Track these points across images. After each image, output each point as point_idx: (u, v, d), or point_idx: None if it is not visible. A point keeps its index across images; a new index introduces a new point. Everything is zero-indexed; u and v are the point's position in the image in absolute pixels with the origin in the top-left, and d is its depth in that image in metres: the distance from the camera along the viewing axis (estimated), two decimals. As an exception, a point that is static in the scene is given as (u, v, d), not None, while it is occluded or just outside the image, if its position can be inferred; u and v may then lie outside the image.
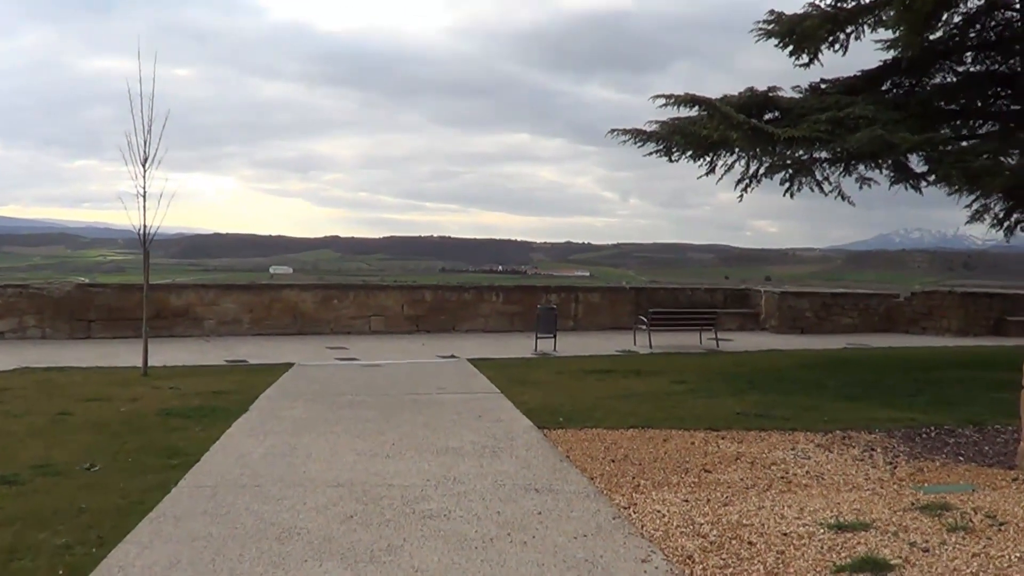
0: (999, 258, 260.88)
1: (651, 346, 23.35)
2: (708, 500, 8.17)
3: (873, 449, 10.80)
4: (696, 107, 18.09)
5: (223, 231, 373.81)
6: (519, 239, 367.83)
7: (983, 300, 31.16)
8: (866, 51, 20.49)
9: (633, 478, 9.06)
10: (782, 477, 9.30)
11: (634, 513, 7.68)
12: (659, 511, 7.73)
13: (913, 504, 7.99)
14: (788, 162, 19.70)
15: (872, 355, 22.82)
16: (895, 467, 9.89)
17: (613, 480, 8.94)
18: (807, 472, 9.55)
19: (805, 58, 20.19)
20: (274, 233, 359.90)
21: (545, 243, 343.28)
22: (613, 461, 9.84)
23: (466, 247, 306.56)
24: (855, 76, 20.36)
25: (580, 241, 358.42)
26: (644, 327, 23.89)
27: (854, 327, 29.94)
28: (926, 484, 9.06)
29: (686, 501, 8.11)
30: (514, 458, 9.72)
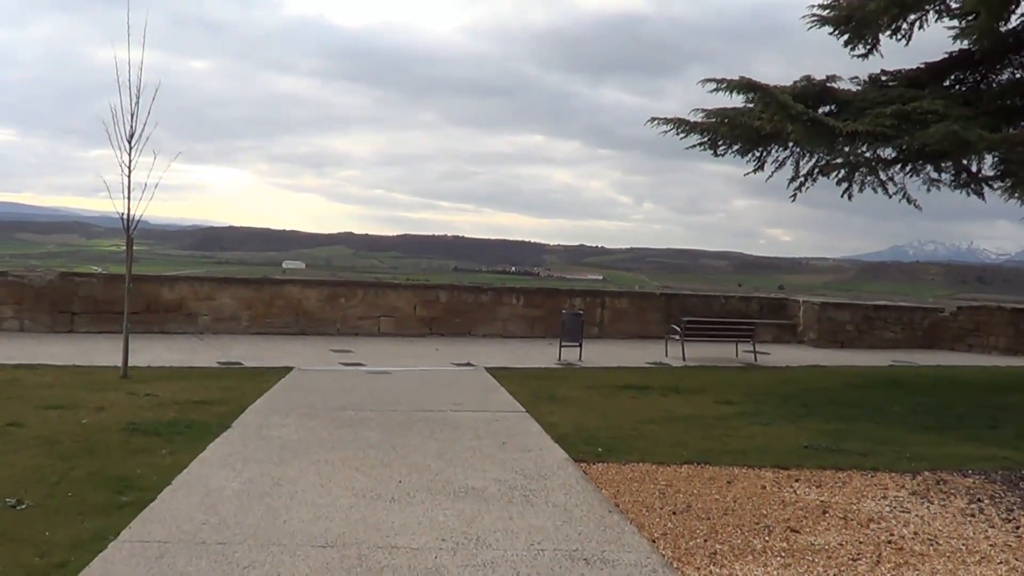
0: (1013, 272, 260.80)
1: (684, 358, 21.46)
2: (812, 581, 6.24)
3: (979, 499, 8.97)
4: (751, 94, 16.20)
5: (237, 224, 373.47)
6: (532, 240, 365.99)
7: (1035, 316, 28.99)
8: (924, 43, 18.63)
9: (705, 540, 7.12)
10: (889, 541, 7.39)
11: (721, 603, 5.75)
12: (754, 599, 5.81)
13: (1080, 591, 6.08)
14: (851, 159, 17.80)
15: (924, 375, 20.89)
16: (1017, 525, 8.03)
17: (680, 544, 7.00)
18: (915, 533, 7.66)
19: (862, 48, 18.33)
20: (288, 228, 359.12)
21: (559, 245, 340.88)
22: (674, 513, 7.90)
23: (479, 247, 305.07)
24: (918, 69, 18.41)
25: (594, 244, 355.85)
26: (677, 337, 21.95)
27: (896, 342, 28.01)
28: (1071, 554, 7.15)
29: (784, 582, 6.19)
30: (551, 506, 7.77)
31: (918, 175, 18.53)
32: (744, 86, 15.89)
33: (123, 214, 15.07)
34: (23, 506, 7.23)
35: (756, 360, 21.99)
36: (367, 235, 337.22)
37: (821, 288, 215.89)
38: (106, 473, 8.35)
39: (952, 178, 19.24)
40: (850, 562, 6.76)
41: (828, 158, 17.87)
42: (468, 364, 18.64)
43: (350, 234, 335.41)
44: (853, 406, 14.91)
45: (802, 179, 18.50)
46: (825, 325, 27.26)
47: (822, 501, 8.60)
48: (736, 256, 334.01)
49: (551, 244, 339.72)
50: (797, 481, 9.42)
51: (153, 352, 17.77)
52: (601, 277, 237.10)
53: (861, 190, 18.69)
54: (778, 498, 8.65)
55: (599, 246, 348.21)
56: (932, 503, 8.76)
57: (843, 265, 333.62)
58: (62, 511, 7.14)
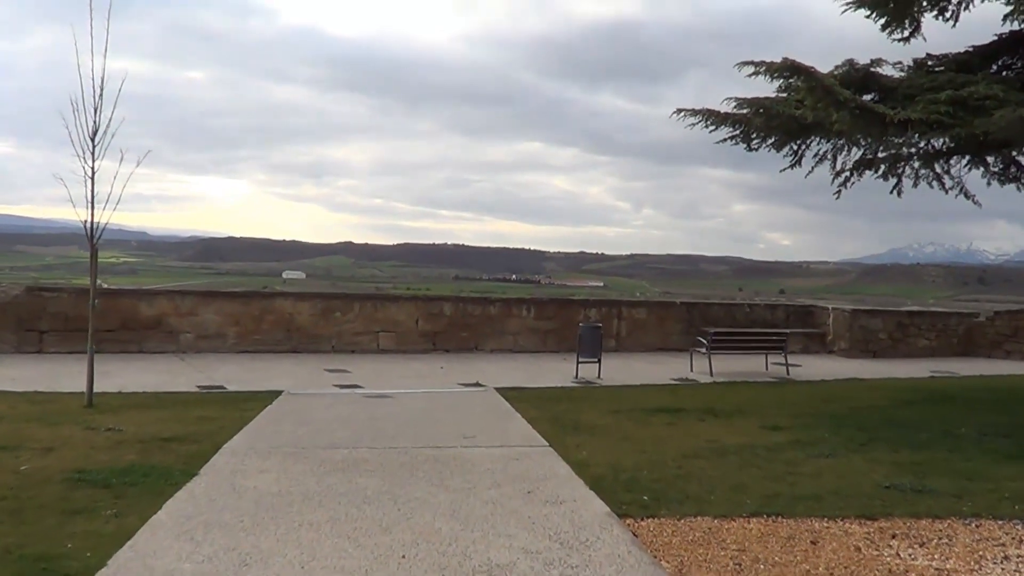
0: (1013, 273, 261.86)
1: (712, 373, 19.69)
2: None
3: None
4: (791, 80, 14.47)
5: (237, 235, 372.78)
6: (532, 248, 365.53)
7: (1077, 320, 27.29)
8: (969, 26, 17.01)
9: (818, 647, 5.30)
10: (1047, 636, 5.58)
11: None
12: None
13: None
14: (901, 150, 16.15)
15: (974, 387, 19.31)
16: None
17: (788, 654, 5.19)
18: (1073, 619, 5.86)
19: (900, 32, 16.70)
20: (288, 238, 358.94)
21: (559, 252, 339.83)
22: (763, 598, 6.08)
23: (480, 255, 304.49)
24: (967, 52, 16.69)
25: (593, 251, 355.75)
26: (703, 350, 20.14)
27: (931, 350, 26.51)
28: None
29: None
30: (602, 592, 5.94)
31: (978, 167, 16.88)
32: (787, 68, 14.11)
33: (86, 221, 13.34)
34: None
35: (788, 373, 20.34)
36: (367, 244, 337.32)
37: (823, 292, 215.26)
38: (28, 549, 6.50)
39: (1001, 170, 17.59)
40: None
41: (877, 149, 16.22)
42: (477, 384, 16.91)
43: (350, 243, 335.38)
44: (915, 428, 13.19)
45: (848, 173, 16.86)
46: (857, 334, 25.76)
47: (936, 569, 6.81)
48: (735, 260, 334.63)
49: (551, 251, 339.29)
50: (894, 537, 7.62)
51: (127, 375, 16.23)
52: (602, 284, 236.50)
53: (915, 185, 17.10)
54: (882, 566, 6.84)
55: (599, 252, 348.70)
56: (1069, 565, 7.01)
57: (843, 268, 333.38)
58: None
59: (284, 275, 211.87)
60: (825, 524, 7.96)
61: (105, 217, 13.43)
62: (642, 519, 7.88)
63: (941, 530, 7.90)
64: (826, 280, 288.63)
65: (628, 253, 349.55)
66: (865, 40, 17.01)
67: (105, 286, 26.67)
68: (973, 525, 8.10)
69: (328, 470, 9.23)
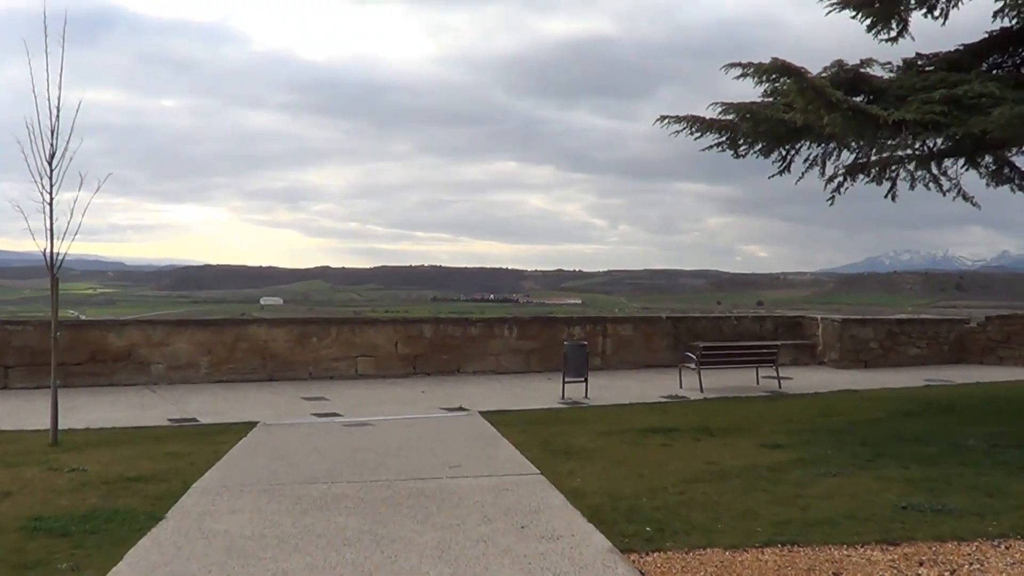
0: (989, 279, 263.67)
1: (702, 389, 19.16)
2: None
3: None
4: (780, 82, 13.94)
5: (214, 263, 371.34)
6: (510, 267, 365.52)
7: (1068, 323, 26.87)
8: (959, 24, 16.54)
9: None
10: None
11: None
12: None
13: None
14: (899, 154, 15.74)
15: (971, 395, 18.91)
16: None
17: None
18: None
19: (887, 33, 16.21)
20: (265, 264, 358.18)
21: (536, 271, 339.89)
22: (794, 647, 5.45)
23: (458, 276, 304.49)
24: (957, 51, 16.20)
25: (571, 268, 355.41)
26: (693, 366, 19.55)
27: (922, 358, 26.12)
28: None
29: None
30: (613, 645, 5.30)
31: (977, 168, 16.42)
32: (776, 69, 13.55)
33: (45, 249, 12.71)
34: None
35: (781, 387, 19.92)
36: (344, 268, 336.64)
37: (802, 303, 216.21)
38: (-33, 616, 5.86)
39: (994, 172, 17.13)
40: None
41: (870, 153, 15.73)
42: (460, 409, 16.37)
43: (327, 268, 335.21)
44: (920, 442, 12.62)
45: (840, 179, 16.36)
46: (847, 344, 25.36)
47: (976, 604, 6.20)
48: (713, 274, 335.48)
49: (529, 270, 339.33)
50: (922, 565, 7.02)
51: (95, 410, 15.68)
52: (580, 301, 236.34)
53: (912, 187, 16.59)
54: (916, 602, 6.23)
55: (577, 270, 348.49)
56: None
57: (821, 279, 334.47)
58: None
59: (262, 301, 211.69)
60: (845, 552, 7.35)
61: (65, 247, 12.85)
62: (647, 553, 7.25)
63: (970, 554, 7.31)
64: (804, 291, 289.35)
65: (606, 270, 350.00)
66: (844, 49, 16.53)
67: (83, 317, 25.94)
68: (1003, 547, 7.51)
69: (305, 508, 8.58)
